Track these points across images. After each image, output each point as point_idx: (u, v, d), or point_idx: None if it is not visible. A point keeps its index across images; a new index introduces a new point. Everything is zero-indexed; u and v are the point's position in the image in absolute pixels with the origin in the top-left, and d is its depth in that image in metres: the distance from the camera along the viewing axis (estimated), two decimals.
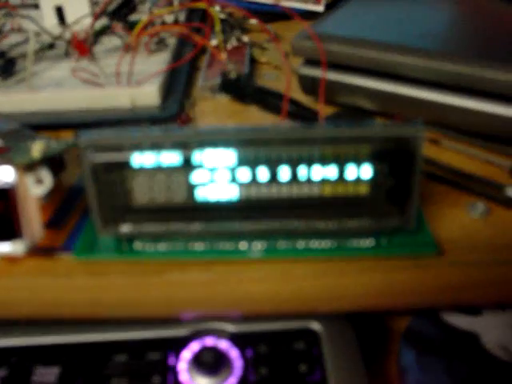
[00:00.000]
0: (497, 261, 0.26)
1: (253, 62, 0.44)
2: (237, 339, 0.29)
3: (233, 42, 0.44)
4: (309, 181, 0.24)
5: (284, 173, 0.23)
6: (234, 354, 0.29)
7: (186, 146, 0.23)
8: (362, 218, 0.24)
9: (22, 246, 0.25)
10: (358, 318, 0.31)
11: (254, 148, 0.23)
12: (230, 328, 0.30)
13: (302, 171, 0.23)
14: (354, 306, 0.27)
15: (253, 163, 0.23)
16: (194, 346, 0.29)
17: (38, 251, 0.26)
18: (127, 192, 0.24)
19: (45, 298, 0.26)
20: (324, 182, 0.24)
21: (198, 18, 0.49)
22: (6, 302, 0.26)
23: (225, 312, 0.28)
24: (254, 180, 0.24)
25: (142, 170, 0.23)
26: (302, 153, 0.23)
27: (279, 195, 0.24)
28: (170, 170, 0.23)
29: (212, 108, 0.38)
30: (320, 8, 0.52)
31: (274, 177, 0.23)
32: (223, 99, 0.39)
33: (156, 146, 0.23)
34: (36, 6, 0.52)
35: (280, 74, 0.42)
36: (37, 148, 0.26)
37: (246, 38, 0.45)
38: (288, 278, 0.25)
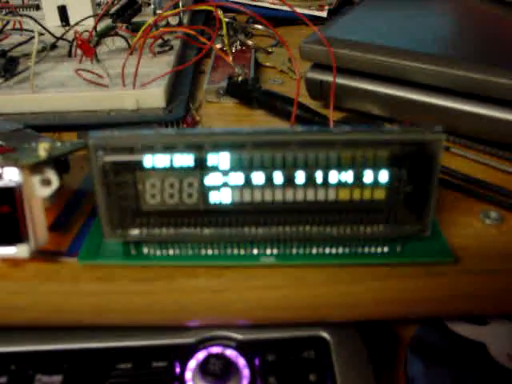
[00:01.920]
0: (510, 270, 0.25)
1: (257, 66, 0.43)
2: (244, 347, 0.29)
3: (237, 46, 0.44)
4: (325, 185, 0.23)
5: (300, 176, 0.23)
6: (241, 362, 0.28)
7: (199, 148, 0.22)
8: (377, 224, 0.24)
9: (27, 249, 0.24)
10: (366, 325, 0.31)
11: (269, 150, 0.22)
12: (238, 336, 0.29)
13: (319, 175, 0.23)
14: (367, 314, 0.26)
15: (268, 166, 0.23)
16: (201, 355, 0.28)
17: (43, 255, 0.25)
18: (137, 194, 0.23)
19: (48, 304, 0.25)
20: (340, 186, 0.23)
21: (202, 21, 0.48)
22: (8, 306, 0.25)
23: (234, 319, 0.27)
24: (269, 183, 0.23)
25: (153, 171, 0.23)
26: (319, 156, 0.22)
27: (294, 199, 0.23)
28: (182, 172, 0.23)
29: (218, 111, 0.37)
30: (324, 14, 0.52)
31: (289, 180, 0.23)
32: (229, 102, 0.38)
33: (168, 147, 0.22)
34: (38, 7, 0.51)
35: (285, 79, 0.42)
36: (43, 148, 0.26)
37: (250, 42, 0.45)
38: (301, 284, 0.24)
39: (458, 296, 0.26)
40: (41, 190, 0.24)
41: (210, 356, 0.28)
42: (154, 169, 0.23)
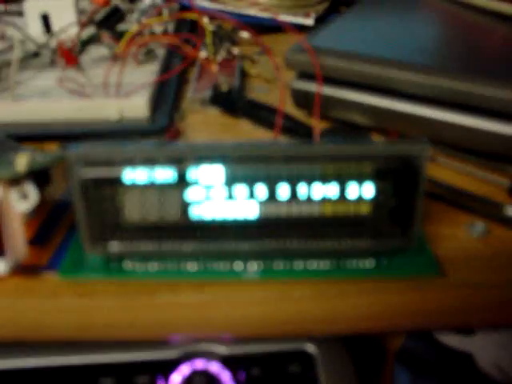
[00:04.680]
0: (497, 283, 0.25)
1: (243, 74, 0.43)
2: (228, 362, 0.28)
3: (223, 54, 0.43)
4: (309, 199, 0.23)
5: (283, 191, 0.22)
6: (225, 377, 0.28)
7: (180, 162, 0.22)
8: (362, 239, 0.24)
9: (5, 265, 0.24)
10: (353, 337, 0.30)
11: (252, 165, 0.22)
12: (222, 350, 0.29)
13: (302, 189, 0.22)
14: (352, 328, 0.26)
15: (251, 180, 0.22)
16: (184, 369, 0.28)
17: (22, 270, 0.25)
18: (118, 209, 0.23)
19: (28, 320, 0.24)
20: (325, 200, 0.23)
21: (187, 29, 0.48)
22: None
23: (217, 335, 0.27)
24: (251, 198, 0.23)
25: (133, 186, 0.22)
26: (302, 170, 0.22)
27: (277, 214, 0.23)
28: (163, 187, 0.22)
29: (202, 121, 0.37)
30: (310, 21, 0.51)
31: (272, 195, 0.22)
32: (213, 112, 0.38)
33: (149, 161, 0.22)
34: (20, 14, 0.51)
35: (271, 88, 0.41)
36: (21, 161, 0.25)
37: (236, 51, 0.44)
38: (285, 300, 0.24)
39: (445, 309, 0.25)
40: (19, 204, 0.23)
41: (193, 371, 0.28)
42: (134, 183, 0.22)
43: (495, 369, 0.31)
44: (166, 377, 0.28)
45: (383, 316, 0.25)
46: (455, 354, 0.33)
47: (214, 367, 0.28)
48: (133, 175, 0.22)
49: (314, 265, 0.24)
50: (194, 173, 0.22)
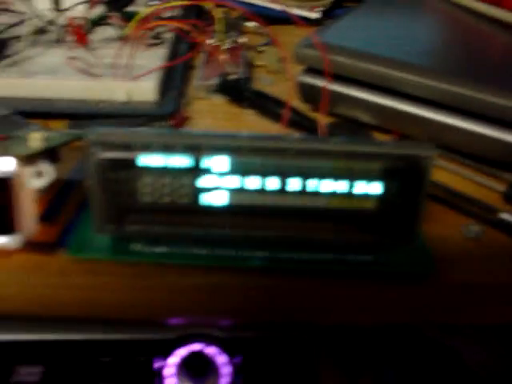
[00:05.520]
0: (488, 283, 0.26)
1: (248, 64, 0.43)
2: (225, 345, 0.29)
3: (229, 43, 0.44)
4: (317, 193, 0.23)
5: (293, 183, 0.23)
6: (222, 360, 0.29)
7: (196, 150, 0.22)
8: (366, 234, 0.24)
9: (17, 240, 0.24)
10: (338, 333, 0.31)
11: (265, 157, 0.23)
12: (219, 334, 0.29)
13: (312, 183, 0.23)
14: (347, 319, 0.27)
15: (263, 172, 0.23)
16: (182, 352, 0.29)
17: (32, 246, 0.25)
18: (131, 192, 0.23)
19: (36, 295, 0.25)
20: (332, 195, 0.23)
21: (194, 15, 0.48)
22: None
23: (218, 319, 0.27)
24: (262, 189, 0.23)
25: (148, 170, 0.23)
26: (314, 165, 0.23)
27: (286, 205, 0.24)
28: (177, 173, 0.23)
29: (207, 108, 0.37)
30: (316, 15, 0.52)
31: (282, 187, 0.23)
32: (219, 100, 0.38)
33: (165, 147, 0.22)
34: None
35: (275, 79, 0.42)
36: (36, 138, 0.26)
37: (242, 40, 0.45)
38: (289, 288, 0.25)
39: (437, 306, 0.26)
40: (34, 181, 0.24)
41: (190, 353, 0.29)
42: (149, 168, 0.23)
43: (482, 366, 0.33)
44: (164, 358, 0.28)
45: (376, 309, 0.26)
46: (443, 351, 0.34)
47: (211, 350, 0.29)
48: (148, 160, 0.23)
49: (318, 256, 0.25)
50: (207, 161, 0.23)
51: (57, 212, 0.28)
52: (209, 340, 0.29)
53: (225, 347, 0.29)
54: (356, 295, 0.26)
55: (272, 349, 0.29)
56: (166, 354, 0.28)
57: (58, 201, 0.28)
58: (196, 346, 0.29)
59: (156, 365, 0.28)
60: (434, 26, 0.43)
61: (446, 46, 0.38)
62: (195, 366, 0.28)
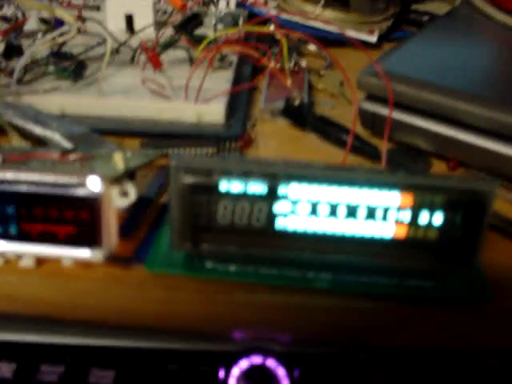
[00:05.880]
0: None
1: (309, 87, 0.45)
2: (285, 359, 0.30)
3: (290, 66, 0.45)
4: (384, 222, 0.25)
5: (362, 212, 0.25)
6: (281, 372, 0.30)
7: (272, 178, 0.24)
8: (428, 261, 0.26)
9: (101, 254, 0.26)
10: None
11: (336, 186, 0.24)
12: (279, 348, 0.31)
13: (379, 212, 0.24)
14: (406, 341, 0.28)
15: (333, 200, 0.24)
16: (244, 363, 0.30)
17: (114, 260, 0.27)
18: (210, 214, 0.25)
19: (115, 306, 0.27)
20: (398, 223, 0.25)
21: (255, 37, 0.50)
22: (78, 304, 0.27)
23: (281, 334, 0.29)
24: (331, 216, 0.25)
25: (227, 195, 0.24)
26: (381, 195, 0.24)
27: (354, 232, 0.25)
28: (254, 198, 0.24)
29: (272, 131, 0.39)
30: (373, 38, 0.53)
31: (351, 215, 0.25)
32: (282, 123, 0.40)
33: (244, 174, 0.24)
34: (98, 8, 0.53)
35: (336, 103, 0.43)
36: (119, 159, 0.28)
37: (304, 63, 0.46)
38: (351, 311, 0.26)
39: (491, 333, 0.27)
40: (119, 201, 0.26)
41: (252, 365, 0.30)
42: (228, 192, 0.24)
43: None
44: (228, 369, 0.30)
45: (434, 333, 0.27)
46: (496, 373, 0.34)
47: (271, 363, 0.30)
48: (227, 185, 0.24)
49: (379, 280, 0.26)
50: (283, 188, 0.24)
51: (134, 228, 0.30)
52: (269, 353, 0.31)
53: (284, 361, 0.30)
54: (413, 319, 0.27)
55: (329, 364, 0.30)
56: (230, 365, 0.30)
57: (135, 217, 0.30)
58: (257, 359, 0.30)
59: (220, 375, 0.29)
60: (494, 52, 0.43)
61: (505, 75, 0.39)
62: (256, 378, 0.30)
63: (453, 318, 0.27)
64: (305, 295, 0.26)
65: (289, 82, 0.39)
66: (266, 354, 0.31)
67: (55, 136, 0.34)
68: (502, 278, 0.28)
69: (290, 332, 0.28)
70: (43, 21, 0.47)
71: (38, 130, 0.34)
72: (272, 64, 0.44)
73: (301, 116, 0.38)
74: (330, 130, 0.37)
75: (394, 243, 0.25)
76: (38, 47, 0.40)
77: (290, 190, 0.24)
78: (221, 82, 0.41)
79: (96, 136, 0.36)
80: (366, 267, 0.26)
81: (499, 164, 0.34)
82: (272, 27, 0.47)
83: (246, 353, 0.31)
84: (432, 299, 0.26)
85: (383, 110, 0.36)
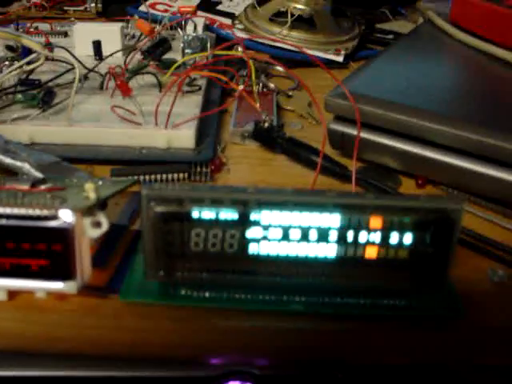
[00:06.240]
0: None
1: (278, 108, 0.45)
2: (263, 382, 0.30)
3: (259, 88, 0.46)
4: (355, 243, 0.25)
5: (333, 235, 0.25)
6: None
7: (244, 204, 0.24)
8: (400, 281, 0.26)
9: (75, 285, 0.26)
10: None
11: (307, 210, 0.25)
12: (256, 371, 0.31)
13: (350, 234, 0.25)
14: (380, 360, 0.28)
15: (304, 224, 0.25)
16: None
17: (88, 291, 0.27)
18: (182, 242, 0.25)
19: (89, 336, 0.27)
20: (368, 245, 0.25)
21: (223, 61, 0.50)
22: (51, 337, 0.27)
23: (260, 358, 0.29)
24: (303, 240, 0.25)
25: (199, 222, 0.25)
26: (352, 217, 0.25)
27: (326, 255, 0.25)
28: (226, 225, 0.25)
29: (242, 154, 0.39)
30: (340, 58, 0.54)
31: (322, 238, 0.25)
32: (252, 145, 0.40)
33: (215, 201, 0.24)
34: (65, 34, 0.53)
35: (304, 124, 0.44)
36: (91, 189, 0.27)
37: (272, 85, 0.47)
38: (325, 331, 0.27)
39: (463, 349, 0.28)
40: (91, 231, 0.26)
41: None
42: (200, 220, 0.25)
43: None
44: None
45: (409, 351, 0.28)
46: None
47: None
48: (199, 213, 0.24)
49: (353, 301, 0.27)
50: (255, 214, 0.24)
51: (107, 257, 0.29)
52: (247, 377, 0.31)
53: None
54: (388, 337, 0.27)
55: None
56: None
57: (108, 246, 0.30)
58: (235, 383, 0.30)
59: None
60: (457, 71, 0.45)
61: (468, 93, 0.40)
62: None
63: (427, 335, 0.27)
64: (280, 318, 0.27)
65: (257, 104, 0.39)
66: (244, 378, 0.31)
67: (25, 166, 0.34)
68: (473, 293, 0.29)
69: (268, 355, 0.28)
70: (10, 48, 0.47)
71: (7, 161, 0.34)
72: (241, 87, 0.45)
73: (270, 138, 0.38)
74: (299, 152, 0.37)
75: (365, 264, 0.26)
76: (5, 75, 0.40)
77: (262, 215, 0.25)
78: (190, 106, 0.41)
79: (66, 164, 0.35)
80: (339, 288, 0.27)
81: (466, 180, 0.35)
82: (240, 50, 0.48)
83: (225, 377, 0.31)
84: (406, 317, 0.27)
85: (351, 130, 0.37)
